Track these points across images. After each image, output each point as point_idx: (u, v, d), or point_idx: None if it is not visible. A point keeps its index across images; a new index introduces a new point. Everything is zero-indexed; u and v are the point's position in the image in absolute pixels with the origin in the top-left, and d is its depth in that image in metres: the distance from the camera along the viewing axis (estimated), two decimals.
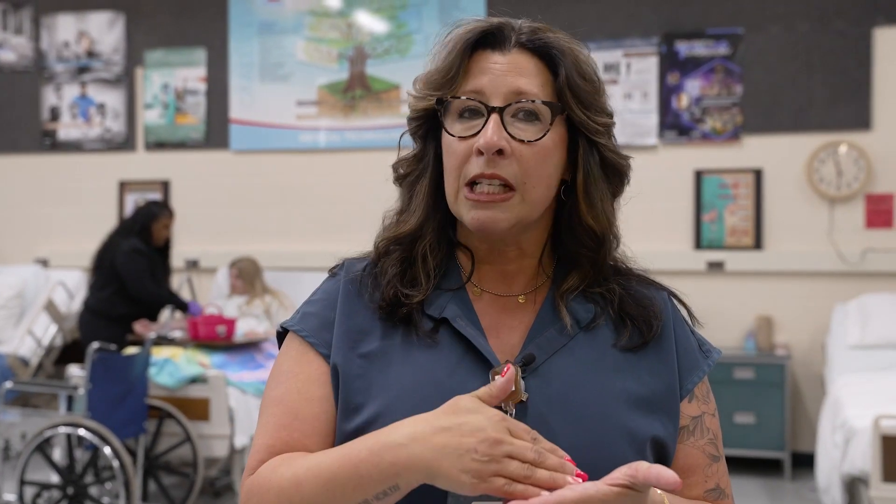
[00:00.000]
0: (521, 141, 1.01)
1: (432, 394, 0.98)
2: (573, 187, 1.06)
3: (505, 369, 0.93)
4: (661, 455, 1.03)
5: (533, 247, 1.08)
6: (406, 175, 1.10)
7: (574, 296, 1.07)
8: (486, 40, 1.04)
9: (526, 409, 0.98)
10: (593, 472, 0.91)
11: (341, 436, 1.02)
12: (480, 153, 1.00)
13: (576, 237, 1.07)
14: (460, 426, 0.87)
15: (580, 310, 1.06)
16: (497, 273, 1.09)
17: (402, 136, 1.12)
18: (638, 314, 1.06)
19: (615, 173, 1.07)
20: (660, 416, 1.03)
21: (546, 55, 1.04)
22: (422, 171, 1.09)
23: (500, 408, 0.95)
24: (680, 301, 1.13)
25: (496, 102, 1.01)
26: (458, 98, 1.03)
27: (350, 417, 1.01)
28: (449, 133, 1.03)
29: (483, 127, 1.01)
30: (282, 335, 1.11)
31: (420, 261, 1.07)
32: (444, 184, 1.07)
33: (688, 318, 1.13)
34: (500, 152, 1.00)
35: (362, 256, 1.14)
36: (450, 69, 1.03)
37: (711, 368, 1.10)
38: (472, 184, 1.02)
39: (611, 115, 1.07)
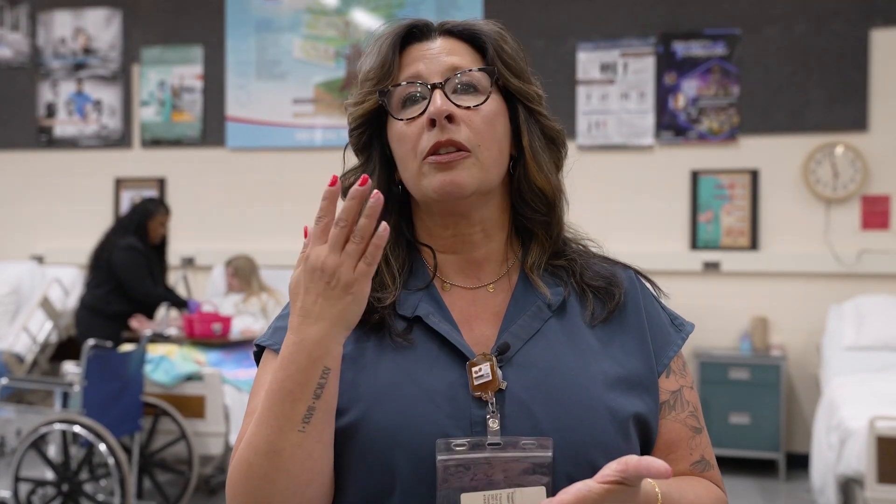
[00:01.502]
0: (467, 108, 1.04)
1: (412, 392, 0.99)
2: (520, 154, 1.09)
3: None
4: (645, 432, 1.05)
5: (495, 227, 1.10)
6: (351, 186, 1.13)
7: (541, 271, 1.09)
8: (412, 36, 1.09)
9: (505, 397, 1.00)
10: (579, 454, 0.95)
11: None
12: (432, 125, 1.03)
13: (528, 204, 1.10)
14: (307, 290, 0.93)
15: (549, 293, 1.08)
16: (464, 263, 1.10)
17: (345, 148, 1.14)
18: (599, 285, 1.09)
19: (554, 143, 1.11)
20: (639, 394, 1.04)
21: (470, 37, 1.09)
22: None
23: (479, 399, 0.99)
24: (646, 278, 1.15)
25: (436, 80, 1.05)
26: (400, 85, 1.06)
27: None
28: (397, 119, 1.06)
29: (429, 103, 1.04)
30: (258, 354, 1.12)
31: (384, 263, 1.08)
32: (393, 187, 1.10)
33: (654, 293, 1.15)
34: (449, 118, 1.03)
35: None
36: (384, 62, 1.07)
37: (685, 342, 1.13)
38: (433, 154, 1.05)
39: (540, 87, 1.12)
